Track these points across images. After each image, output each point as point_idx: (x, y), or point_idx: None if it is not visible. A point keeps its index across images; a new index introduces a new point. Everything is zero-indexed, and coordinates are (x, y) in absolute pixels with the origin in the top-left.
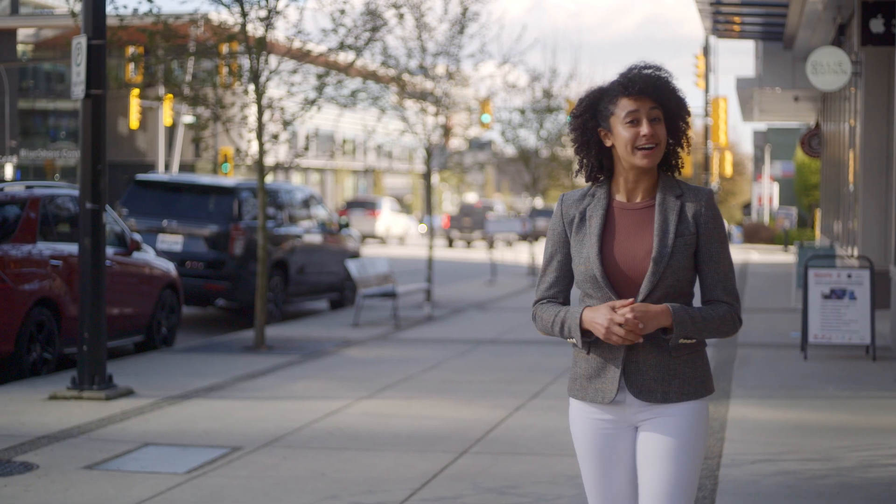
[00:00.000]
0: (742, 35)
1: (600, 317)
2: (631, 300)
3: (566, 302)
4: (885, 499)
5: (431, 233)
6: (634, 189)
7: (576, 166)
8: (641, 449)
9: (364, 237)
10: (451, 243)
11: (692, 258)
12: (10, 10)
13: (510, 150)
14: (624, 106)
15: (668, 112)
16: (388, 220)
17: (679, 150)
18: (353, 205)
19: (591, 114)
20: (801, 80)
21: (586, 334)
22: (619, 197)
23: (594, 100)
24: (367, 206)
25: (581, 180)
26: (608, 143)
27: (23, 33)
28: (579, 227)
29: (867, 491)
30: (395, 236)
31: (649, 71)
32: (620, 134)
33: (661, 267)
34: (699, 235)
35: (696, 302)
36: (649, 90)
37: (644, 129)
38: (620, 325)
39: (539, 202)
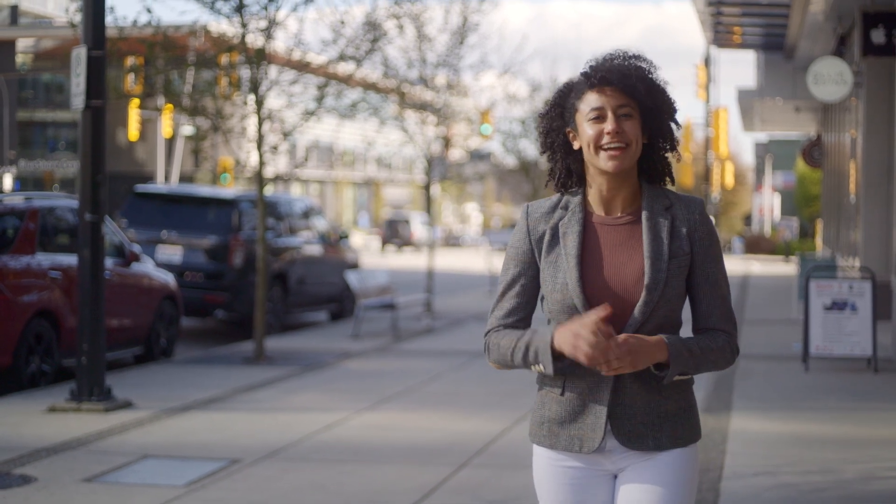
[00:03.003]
0: (743, 45)
1: (570, 325)
2: (606, 305)
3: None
4: None
5: (431, 243)
6: (612, 200)
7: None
8: (626, 501)
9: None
10: None
11: (685, 282)
12: (10, 21)
13: (511, 161)
14: (589, 101)
15: (645, 108)
16: None
17: (666, 155)
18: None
19: (558, 112)
20: (802, 91)
21: (558, 358)
22: (596, 210)
23: (562, 96)
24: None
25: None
26: (576, 146)
27: (22, 44)
28: (551, 247)
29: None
30: None
31: (621, 59)
32: (584, 132)
33: (655, 295)
34: (694, 255)
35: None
36: (615, 80)
37: (609, 125)
38: (593, 331)
39: None
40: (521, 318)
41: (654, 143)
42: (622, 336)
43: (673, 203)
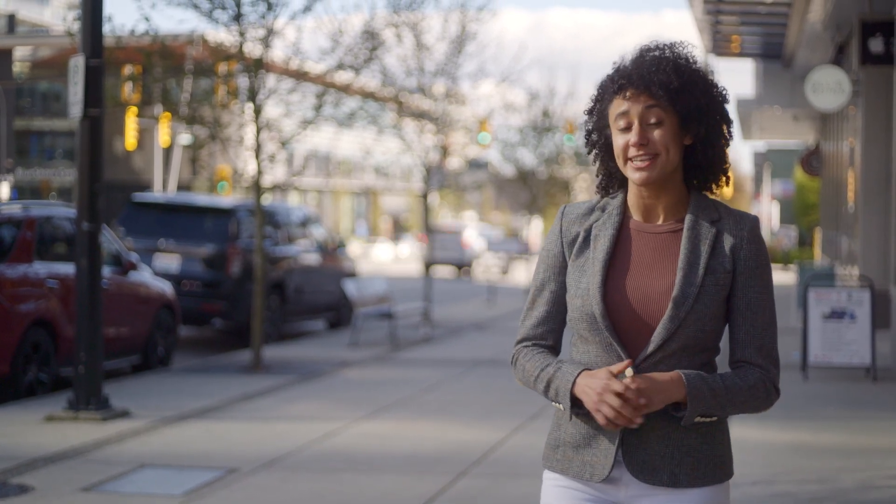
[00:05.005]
0: (741, 54)
1: (596, 382)
2: (629, 361)
3: (557, 344)
4: None
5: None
6: (653, 207)
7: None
8: None
9: None
10: None
11: (723, 304)
12: (7, 30)
13: (509, 170)
14: (615, 108)
15: (684, 108)
16: None
17: (718, 158)
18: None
19: (598, 114)
20: (801, 100)
21: (577, 403)
22: (636, 215)
23: (598, 97)
24: None
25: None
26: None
27: (20, 52)
28: (581, 250)
29: None
30: None
31: (652, 54)
32: (615, 143)
33: (682, 310)
34: (736, 275)
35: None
36: (638, 82)
37: (633, 136)
38: (619, 394)
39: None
40: (551, 328)
41: (700, 142)
42: (631, 378)
43: (722, 217)
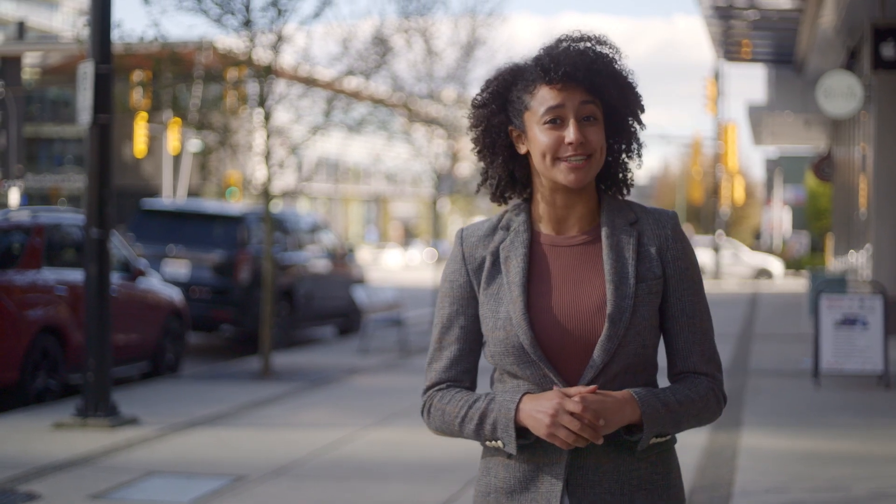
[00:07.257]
0: (753, 59)
1: (546, 404)
2: (594, 387)
3: (473, 385)
4: None
5: (439, 259)
6: (565, 216)
7: (479, 181)
8: None
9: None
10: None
11: (657, 312)
12: (16, 36)
13: None
14: (544, 98)
15: (609, 106)
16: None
17: (628, 161)
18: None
19: (500, 104)
20: (812, 105)
21: (522, 434)
22: (545, 228)
23: (505, 84)
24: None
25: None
26: (522, 150)
27: (29, 59)
28: (492, 276)
29: None
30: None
31: (584, 45)
32: (537, 138)
33: (620, 328)
34: (667, 279)
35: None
36: (581, 75)
37: (570, 133)
38: (574, 414)
39: None
40: (465, 368)
41: (612, 146)
42: (576, 392)
43: (639, 217)
